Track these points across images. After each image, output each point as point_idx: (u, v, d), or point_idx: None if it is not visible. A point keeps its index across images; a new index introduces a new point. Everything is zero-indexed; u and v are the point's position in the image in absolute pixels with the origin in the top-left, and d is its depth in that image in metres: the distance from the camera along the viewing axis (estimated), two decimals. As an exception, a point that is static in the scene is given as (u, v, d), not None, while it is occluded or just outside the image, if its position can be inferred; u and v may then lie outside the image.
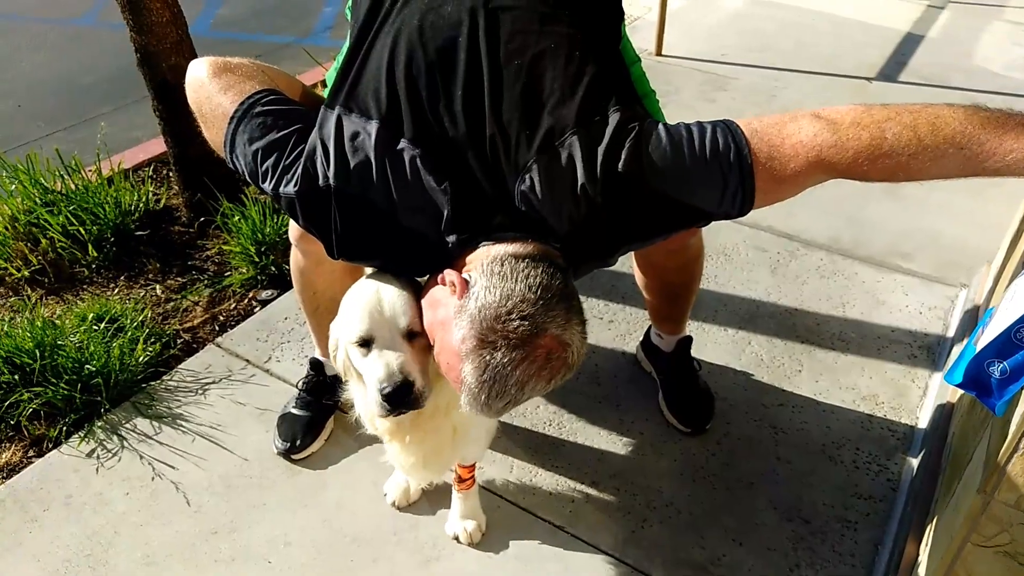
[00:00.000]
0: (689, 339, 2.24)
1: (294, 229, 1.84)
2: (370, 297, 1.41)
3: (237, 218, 2.84)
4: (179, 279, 2.82)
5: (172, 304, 2.70)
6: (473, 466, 1.83)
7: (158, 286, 2.78)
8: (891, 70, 4.18)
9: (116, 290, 2.75)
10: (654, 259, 2.00)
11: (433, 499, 1.98)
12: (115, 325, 2.44)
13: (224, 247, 2.88)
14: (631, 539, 1.90)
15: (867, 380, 2.33)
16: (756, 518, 1.95)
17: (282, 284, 2.75)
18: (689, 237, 1.91)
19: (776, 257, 2.83)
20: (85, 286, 2.77)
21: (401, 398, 1.36)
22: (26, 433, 2.15)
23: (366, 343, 1.40)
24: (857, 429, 2.17)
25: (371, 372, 1.39)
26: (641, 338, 2.36)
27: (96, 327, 2.40)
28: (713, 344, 2.46)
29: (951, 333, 2.48)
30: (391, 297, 1.41)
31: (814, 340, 2.47)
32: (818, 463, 2.08)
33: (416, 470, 1.62)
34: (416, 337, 1.40)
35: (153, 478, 2.04)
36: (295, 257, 1.92)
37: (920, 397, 2.27)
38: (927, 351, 2.42)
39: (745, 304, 2.62)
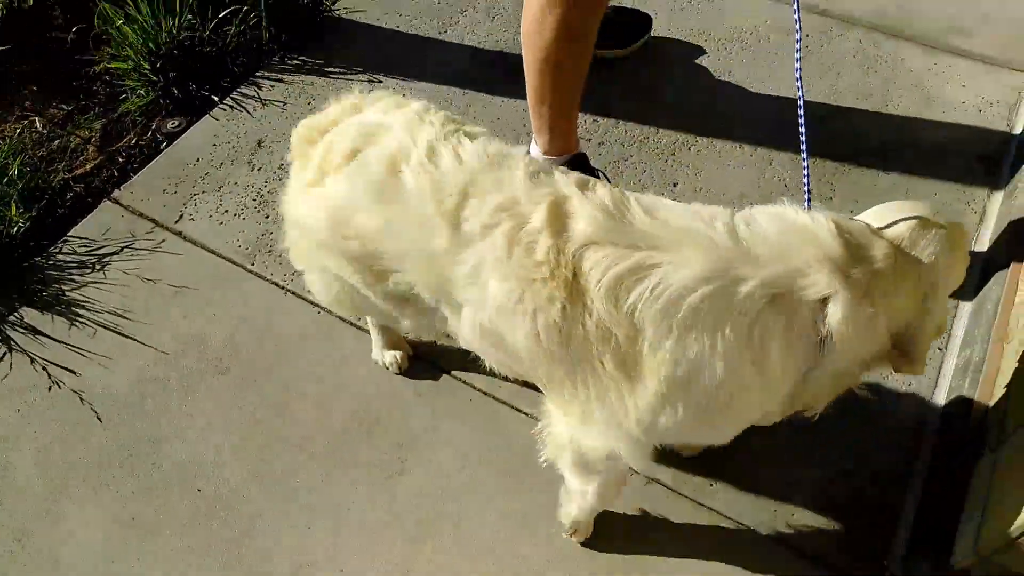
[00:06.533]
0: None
1: None
2: None
3: (120, 22, 2.20)
4: (63, 107, 2.26)
5: (57, 142, 2.17)
6: None
7: (37, 118, 2.22)
8: None
9: (-19, 128, 2.20)
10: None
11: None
12: (-22, 181, 1.94)
13: (112, 65, 2.27)
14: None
15: (912, 206, 1.91)
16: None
17: (191, 109, 2.20)
18: None
19: (806, 41, 2.26)
20: (-60, 124, 2.21)
21: None
22: None
23: None
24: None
25: None
26: None
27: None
28: (729, 167, 2.00)
29: (1018, 129, 2.03)
30: None
31: (848, 157, 2.01)
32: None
33: None
34: None
35: (50, 388, 1.68)
36: None
37: (976, 224, 1.87)
38: (986, 163, 1.98)
39: (766, 110, 2.11)
